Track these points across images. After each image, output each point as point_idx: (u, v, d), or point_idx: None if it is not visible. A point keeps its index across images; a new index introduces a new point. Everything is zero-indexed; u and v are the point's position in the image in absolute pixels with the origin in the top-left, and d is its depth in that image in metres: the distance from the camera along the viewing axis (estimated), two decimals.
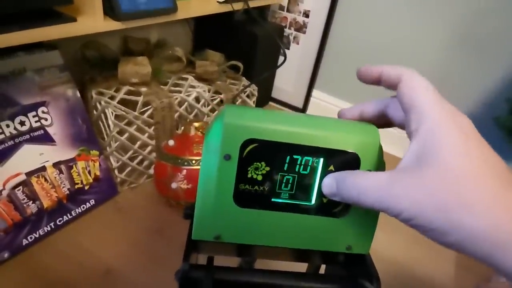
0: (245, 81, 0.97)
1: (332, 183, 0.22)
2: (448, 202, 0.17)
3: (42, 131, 0.62)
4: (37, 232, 0.63)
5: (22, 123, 0.59)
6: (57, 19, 0.53)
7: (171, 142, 0.71)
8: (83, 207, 0.70)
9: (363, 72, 0.24)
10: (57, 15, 0.54)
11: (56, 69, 0.64)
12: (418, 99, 0.20)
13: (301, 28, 1.11)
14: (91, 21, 0.58)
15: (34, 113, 0.61)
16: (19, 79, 0.59)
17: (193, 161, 0.69)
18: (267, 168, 0.23)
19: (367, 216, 0.24)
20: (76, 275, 0.60)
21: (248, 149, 0.22)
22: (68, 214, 0.68)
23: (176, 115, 0.78)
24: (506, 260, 0.16)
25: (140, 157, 0.77)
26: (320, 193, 0.24)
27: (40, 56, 0.62)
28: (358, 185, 0.20)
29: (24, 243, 0.62)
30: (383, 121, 0.25)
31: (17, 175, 0.60)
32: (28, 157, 0.61)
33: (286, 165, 0.23)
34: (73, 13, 0.56)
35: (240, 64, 0.96)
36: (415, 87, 0.21)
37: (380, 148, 0.23)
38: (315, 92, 1.19)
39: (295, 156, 0.23)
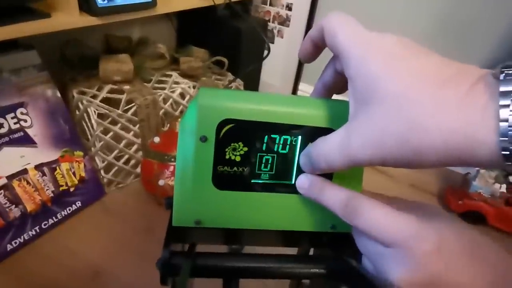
0: (230, 76, 0.97)
1: (305, 162, 0.22)
2: (401, 131, 0.16)
3: (21, 133, 0.60)
4: (22, 237, 0.62)
5: (0, 125, 0.58)
6: (31, 16, 0.51)
7: (156, 139, 0.70)
8: (69, 210, 0.69)
9: (301, 52, 0.23)
10: (30, 12, 0.52)
11: (34, 69, 0.62)
12: (338, 43, 0.19)
13: (284, 21, 1.11)
14: (66, 17, 0.57)
15: (12, 114, 0.59)
16: None
17: None
18: (245, 149, 0.22)
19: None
20: (65, 278, 0.59)
21: (224, 129, 0.22)
22: (54, 217, 0.66)
23: (162, 112, 0.77)
24: (473, 156, 0.15)
25: (126, 156, 0.76)
26: (300, 172, 0.23)
27: (17, 56, 0.60)
28: (322, 153, 0.20)
29: (8, 249, 0.60)
30: (343, 79, 0.23)
31: None
32: (8, 160, 0.59)
33: (265, 144, 0.23)
34: (47, 9, 0.55)
35: (224, 60, 0.95)
36: (332, 33, 0.20)
37: None
38: (301, 86, 1.19)
39: (273, 136, 0.23)
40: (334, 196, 0.21)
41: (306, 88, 1.18)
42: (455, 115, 0.15)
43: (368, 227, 0.19)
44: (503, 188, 0.77)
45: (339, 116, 0.22)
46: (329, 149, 0.19)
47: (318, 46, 0.22)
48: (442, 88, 0.16)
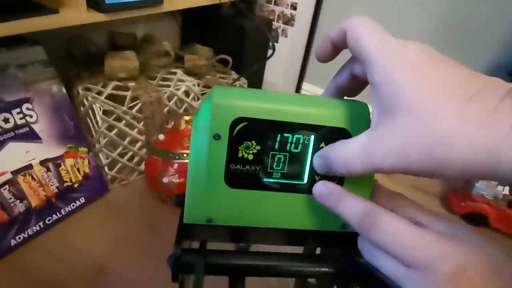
0: (234, 75, 0.97)
1: (321, 163, 0.22)
2: (426, 143, 0.16)
3: (27, 128, 0.60)
4: (26, 232, 0.62)
5: (6, 120, 0.58)
6: (38, 11, 0.51)
7: (161, 137, 0.70)
8: (73, 205, 0.69)
9: (319, 52, 0.23)
10: (38, 7, 0.52)
11: (40, 64, 0.62)
12: (363, 49, 0.19)
13: (289, 21, 1.11)
14: (74, 13, 0.57)
15: (18, 109, 0.59)
16: (2, 75, 0.57)
17: (184, 155, 0.68)
18: (258, 147, 0.23)
19: (359, 193, 0.24)
20: (68, 275, 0.59)
21: (237, 128, 0.22)
22: (58, 213, 0.66)
23: (166, 109, 0.77)
24: (495, 173, 0.15)
25: (130, 153, 0.76)
26: (312, 171, 0.23)
27: (23, 52, 0.60)
28: (342, 158, 0.20)
29: (12, 244, 0.60)
30: (358, 82, 0.23)
31: (3, 174, 0.58)
32: (14, 155, 0.59)
33: (277, 143, 0.23)
34: (55, 5, 0.55)
35: (229, 58, 0.95)
36: (357, 37, 0.19)
37: (370, 122, 0.23)
38: (305, 85, 1.19)
39: (285, 134, 0.23)
40: (351, 207, 0.20)
41: (309, 88, 1.18)
42: (481, 132, 0.15)
43: (387, 243, 0.18)
44: (506, 190, 0.78)
45: (353, 116, 0.23)
46: (350, 155, 0.19)
47: (337, 47, 0.22)
48: (469, 103, 0.16)
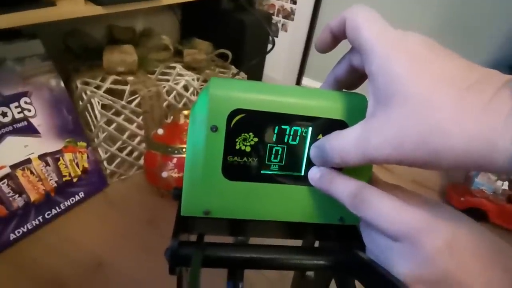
0: (234, 70, 0.96)
1: (317, 153, 0.22)
2: (421, 134, 0.16)
3: (25, 123, 0.60)
4: (25, 226, 0.62)
5: (4, 114, 0.57)
6: (35, 3, 0.51)
7: (160, 131, 0.69)
8: (72, 200, 0.69)
9: (319, 42, 0.23)
10: (35, 0, 0.52)
11: (38, 58, 0.62)
12: (362, 38, 0.19)
13: (289, 15, 1.10)
14: (72, 6, 0.56)
15: (16, 103, 0.59)
16: None
17: (183, 149, 0.68)
18: (256, 139, 0.22)
19: None
20: (67, 269, 0.59)
21: (235, 119, 0.22)
22: (57, 207, 0.66)
23: (165, 104, 0.77)
24: (491, 163, 0.15)
25: (129, 148, 0.75)
26: (310, 164, 0.23)
27: (20, 45, 0.59)
28: (337, 148, 0.20)
29: (11, 238, 0.60)
30: (357, 74, 0.23)
31: (1, 168, 0.58)
32: (12, 149, 0.59)
33: (275, 135, 0.23)
34: None
35: (228, 53, 0.95)
36: (356, 26, 0.19)
37: None
38: (304, 80, 1.18)
39: (283, 126, 0.22)
40: (343, 187, 0.21)
41: (309, 83, 1.18)
42: (478, 122, 0.15)
43: (376, 219, 0.19)
44: (505, 185, 0.78)
45: (351, 108, 0.22)
46: (345, 144, 0.19)
47: (337, 37, 0.22)
48: (466, 93, 0.16)
